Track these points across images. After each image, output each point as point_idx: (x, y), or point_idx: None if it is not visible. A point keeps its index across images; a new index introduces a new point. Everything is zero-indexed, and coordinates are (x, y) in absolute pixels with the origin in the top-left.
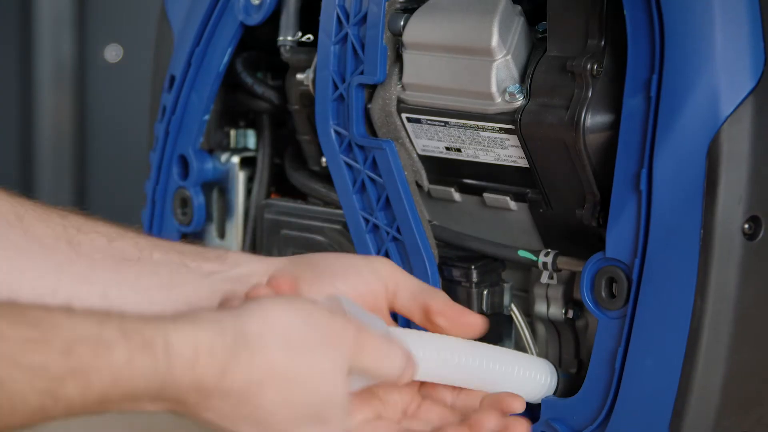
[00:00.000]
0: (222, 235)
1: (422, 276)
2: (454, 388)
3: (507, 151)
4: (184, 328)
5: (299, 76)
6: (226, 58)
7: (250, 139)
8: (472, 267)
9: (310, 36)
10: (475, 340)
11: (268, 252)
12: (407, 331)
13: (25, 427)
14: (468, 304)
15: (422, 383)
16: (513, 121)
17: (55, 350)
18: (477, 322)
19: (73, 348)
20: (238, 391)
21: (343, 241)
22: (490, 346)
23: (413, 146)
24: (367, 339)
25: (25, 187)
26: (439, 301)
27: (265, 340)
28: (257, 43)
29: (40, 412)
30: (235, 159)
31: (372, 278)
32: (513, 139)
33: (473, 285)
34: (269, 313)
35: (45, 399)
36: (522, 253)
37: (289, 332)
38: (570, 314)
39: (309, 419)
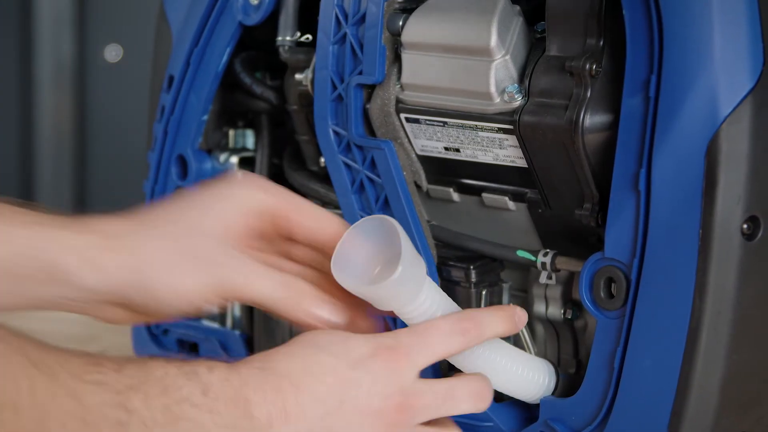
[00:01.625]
0: None
1: None
2: None
3: (506, 151)
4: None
5: (298, 76)
6: (224, 58)
7: (249, 139)
8: (471, 267)
9: (309, 36)
10: None
11: None
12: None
13: None
14: (467, 305)
15: None
16: (512, 122)
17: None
18: None
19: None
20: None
21: None
22: (497, 339)
23: (412, 146)
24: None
25: (26, 187)
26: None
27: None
28: (256, 43)
29: None
30: (234, 159)
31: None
32: (512, 139)
33: (472, 285)
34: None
35: None
36: (521, 253)
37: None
38: (569, 314)
39: None
